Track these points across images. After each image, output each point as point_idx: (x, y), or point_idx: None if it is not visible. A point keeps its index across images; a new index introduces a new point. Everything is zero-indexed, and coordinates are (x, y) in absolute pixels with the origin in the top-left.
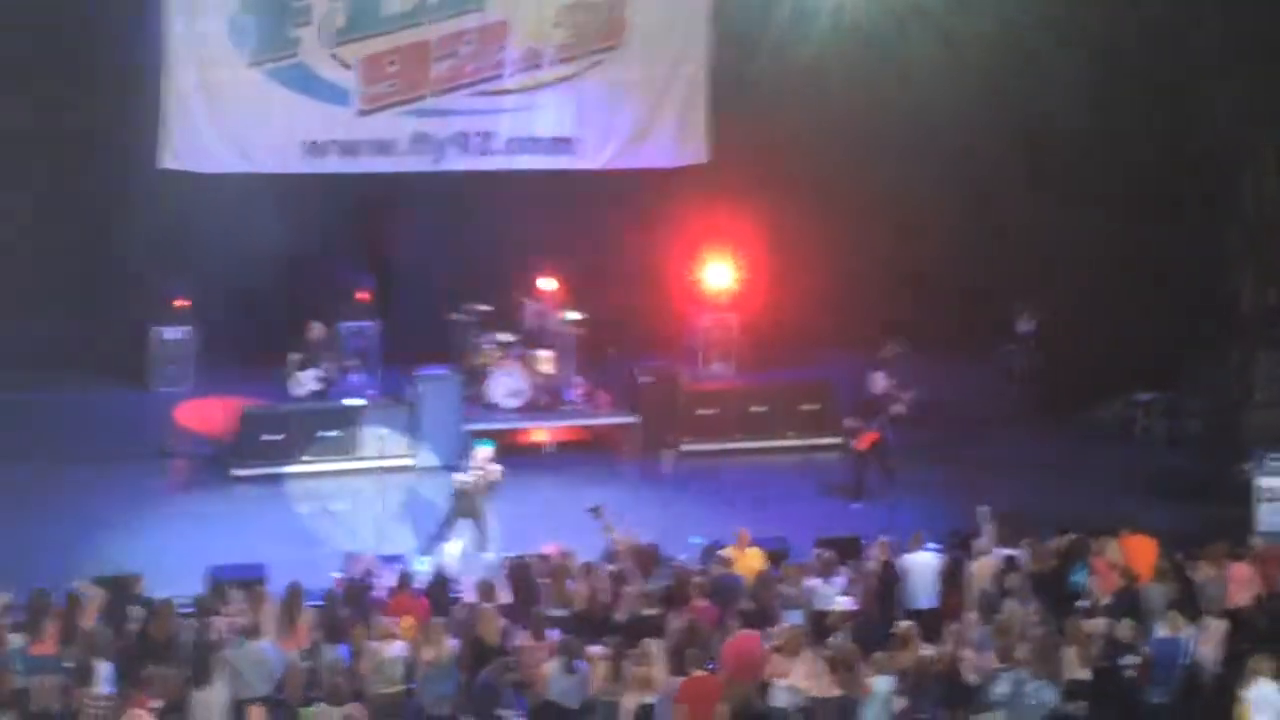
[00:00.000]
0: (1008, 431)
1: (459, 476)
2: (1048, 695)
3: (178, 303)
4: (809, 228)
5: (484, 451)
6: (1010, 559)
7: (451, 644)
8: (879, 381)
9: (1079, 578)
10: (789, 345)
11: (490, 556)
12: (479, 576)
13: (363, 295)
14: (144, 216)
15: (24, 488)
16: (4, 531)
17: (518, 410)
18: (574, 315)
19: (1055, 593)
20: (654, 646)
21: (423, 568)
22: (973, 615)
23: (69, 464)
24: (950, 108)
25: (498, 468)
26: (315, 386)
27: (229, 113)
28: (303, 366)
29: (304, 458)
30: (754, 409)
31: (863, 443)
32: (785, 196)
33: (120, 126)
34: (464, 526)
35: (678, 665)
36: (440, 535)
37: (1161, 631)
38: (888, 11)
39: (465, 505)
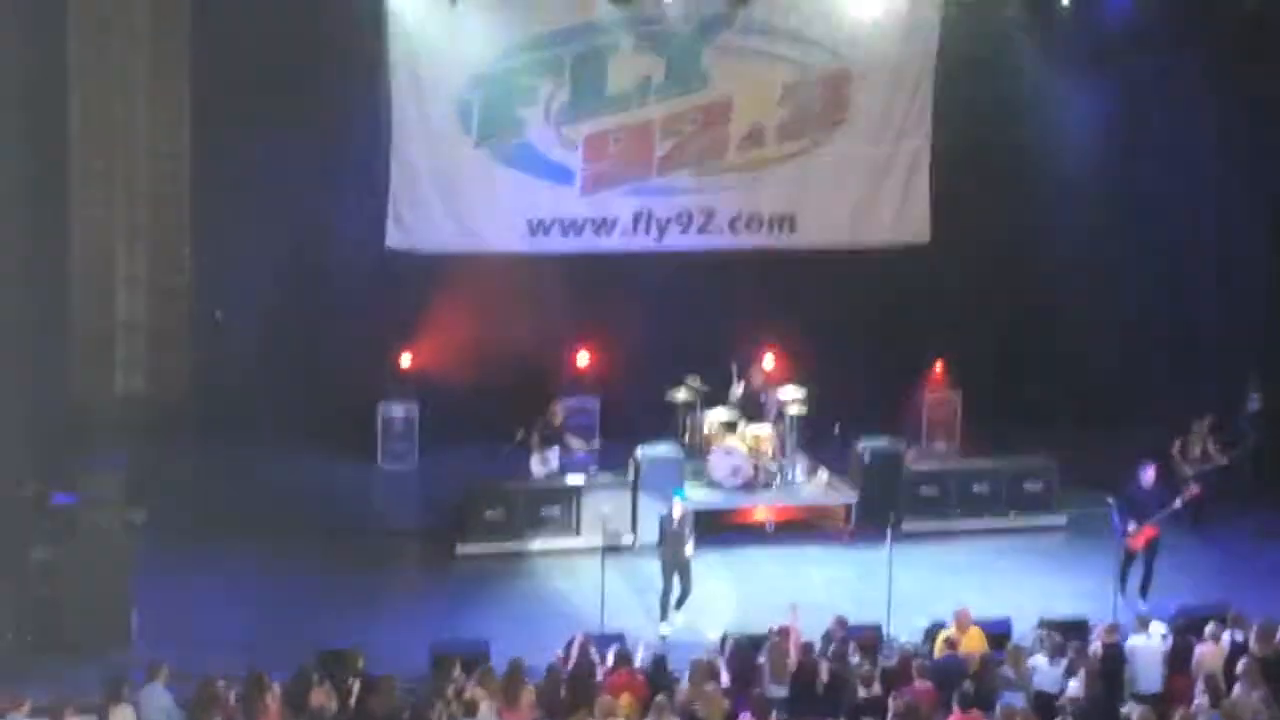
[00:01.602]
0: (1238, 513)
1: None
2: None
3: (400, 367)
4: (1036, 306)
5: (679, 503)
6: (1239, 643)
7: None
8: (1149, 475)
9: None
10: (1011, 427)
11: (706, 633)
12: (700, 655)
13: (584, 370)
14: (370, 293)
15: (250, 561)
16: (229, 604)
17: (739, 488)
18: (796, 392)
19: None
20: None
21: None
22: (1201, 701)
23: (294, 538)
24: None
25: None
26: (555, 466)
27: (455, 192)
28: (544, 445)
29: (527, 535)
30: (977, 488)
31: (1138, 541)
32: (1005, 274)
33: (351, 205)
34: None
35: None
36: (662, 598)
37: None
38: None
39: (670, 553)
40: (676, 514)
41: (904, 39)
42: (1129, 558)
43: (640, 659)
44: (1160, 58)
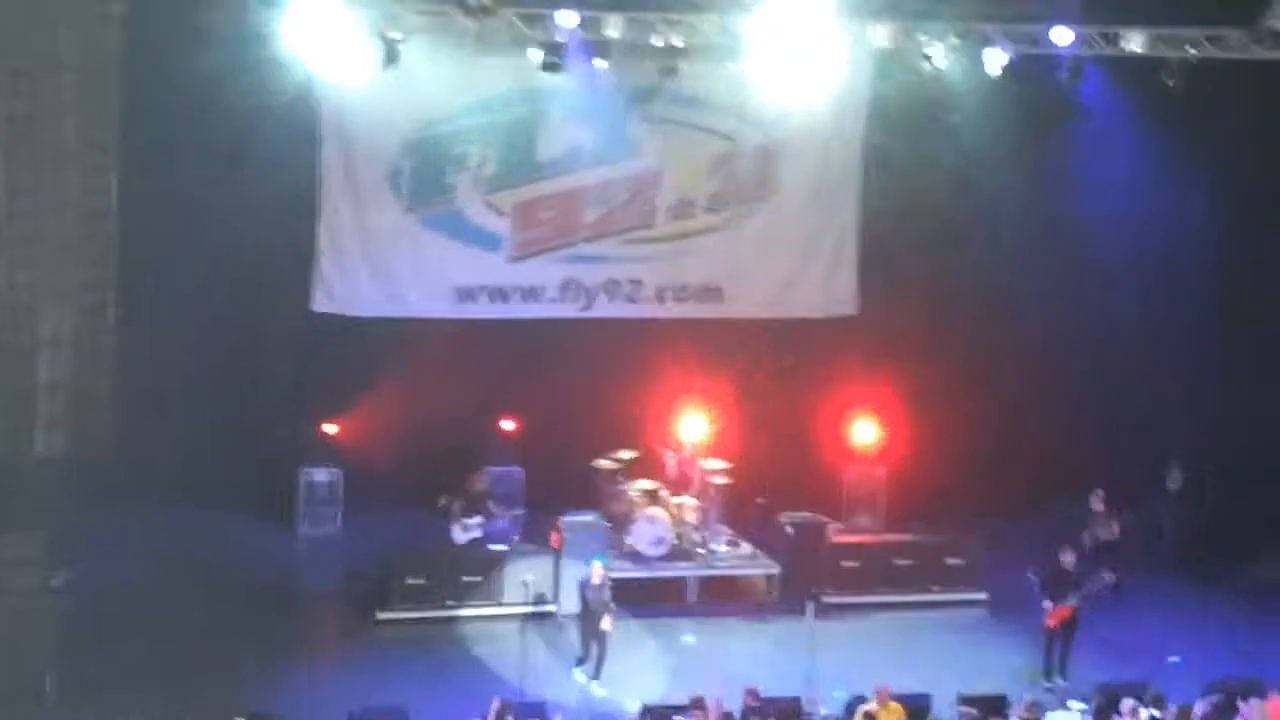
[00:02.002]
0: (1158, 589)
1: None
2: None
3: (325, 432)
4: (963, 379)
5: (598, 567)
6: None
7: None
8: (1068, 556)
9: None
10: (934, 499)
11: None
12: None
13: (508, 439)
14: (295, 357)
15: (170, 625)
16: (149, 669)
17: (662, 557)
18: (719, 464)
19: None
20: None
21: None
22: None
23: (215, 602)
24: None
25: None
26: (478, 534)
27: (383, 257)
28: (466, 513)
29: (448, 602)
30: (899, 562)
31: (1052, 619)
32: (934, 350)
33: (278, 268)
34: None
35: None
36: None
37: None
38: (1041, 170)
39: (589, 618)
40: (596, 578)
41: (833, 116)
42: (1048, 636)
43: None
44: (1092, 125)
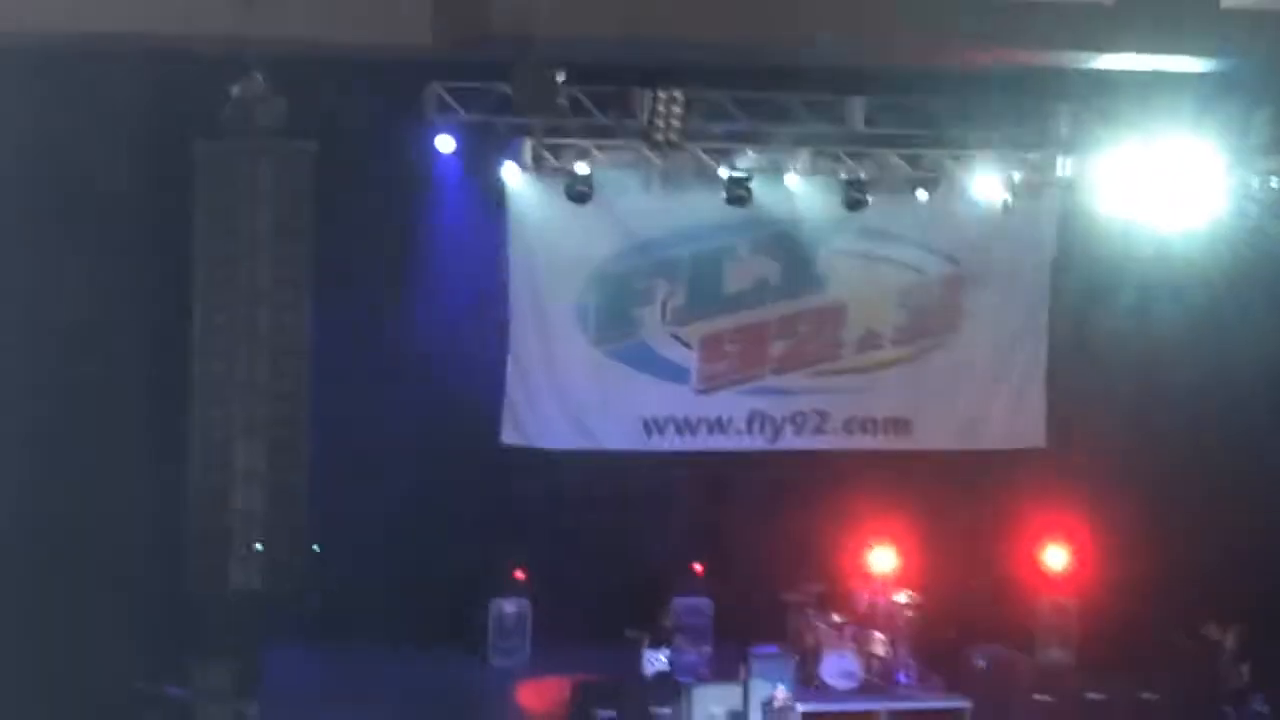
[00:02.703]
0: None
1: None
2: None
3: (516, 574)
4: (1159, 509)
5: (782, 690)
6: None
7: None
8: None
9: None
10: (1128, 631)
11: None
12: None
13: (698, 572)
14: (484, 491)
15: None
16: None
17: (850, 692)
18: (909, 597)
19: None
20: None
21: None
22: None
23: None
24: None
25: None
26: (665, 666)
27: (571, 390)
28: (655, 645)
29: None
30: (1092, 696)
31: None
32: (1125, 477)
33: (467, 400)
34: None
35: None
36: None
37: None
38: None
39: None
40: (779, 701)
41: (1020, 245)
42: None
43: None
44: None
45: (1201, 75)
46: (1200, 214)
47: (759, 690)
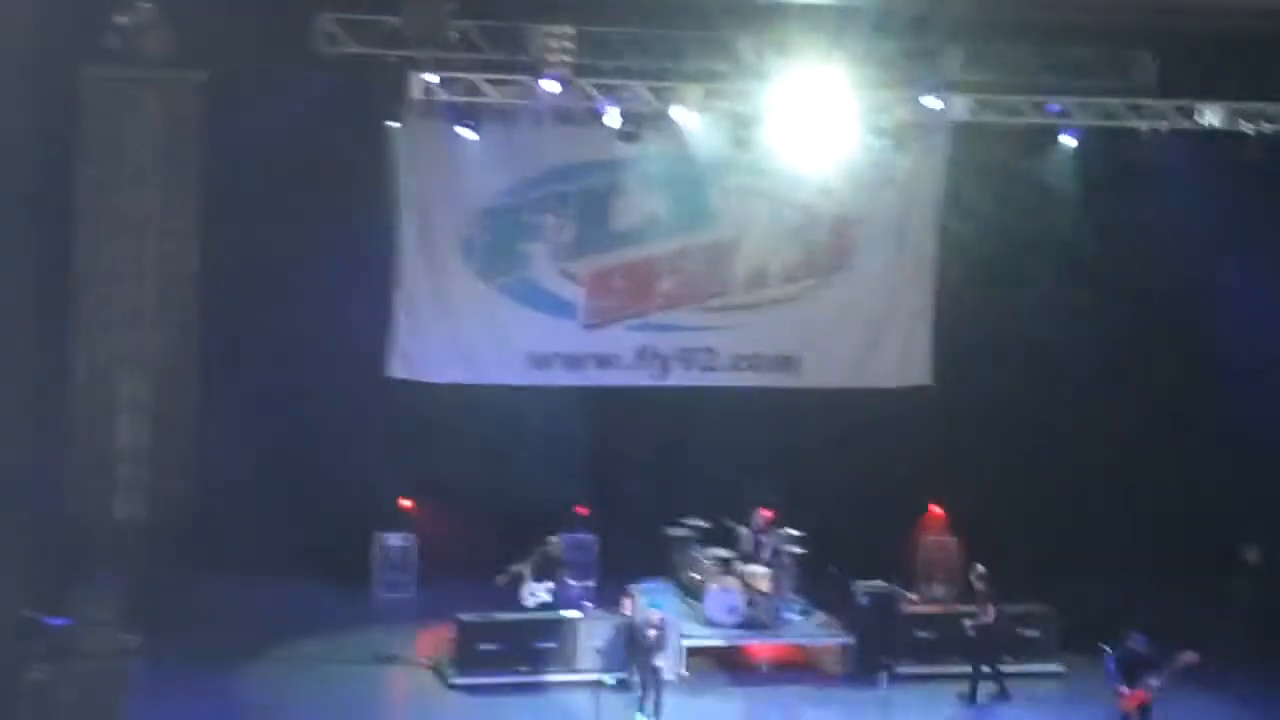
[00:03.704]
0: (1235, 672)
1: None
2: None
3: (401, 503)
4: (1038, 450)
5: (654, 612)
6: None
7: None
8: (1141, 640)
9: None
10: (1011, 570)
11: None
12: None
13: (581, 509)
14: (370, 423)
15: (245, 688)
16: None
17: (735, 626)
18: (792, 533)
19: None
20: None
21: None
22: None
23: (291, 665)
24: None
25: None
26: (548, 598)
27: (458, 324)
28: (537, 578)
29: (520, 668)
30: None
31: (1129, 703)
32: (1008, 419)
33: (354, 334)
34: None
35: None
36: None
37: None
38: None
39: (642, 661)
40: (653, 622)
41: (909, 185)
42: None
43: None
44: (1169, 196)
45: None
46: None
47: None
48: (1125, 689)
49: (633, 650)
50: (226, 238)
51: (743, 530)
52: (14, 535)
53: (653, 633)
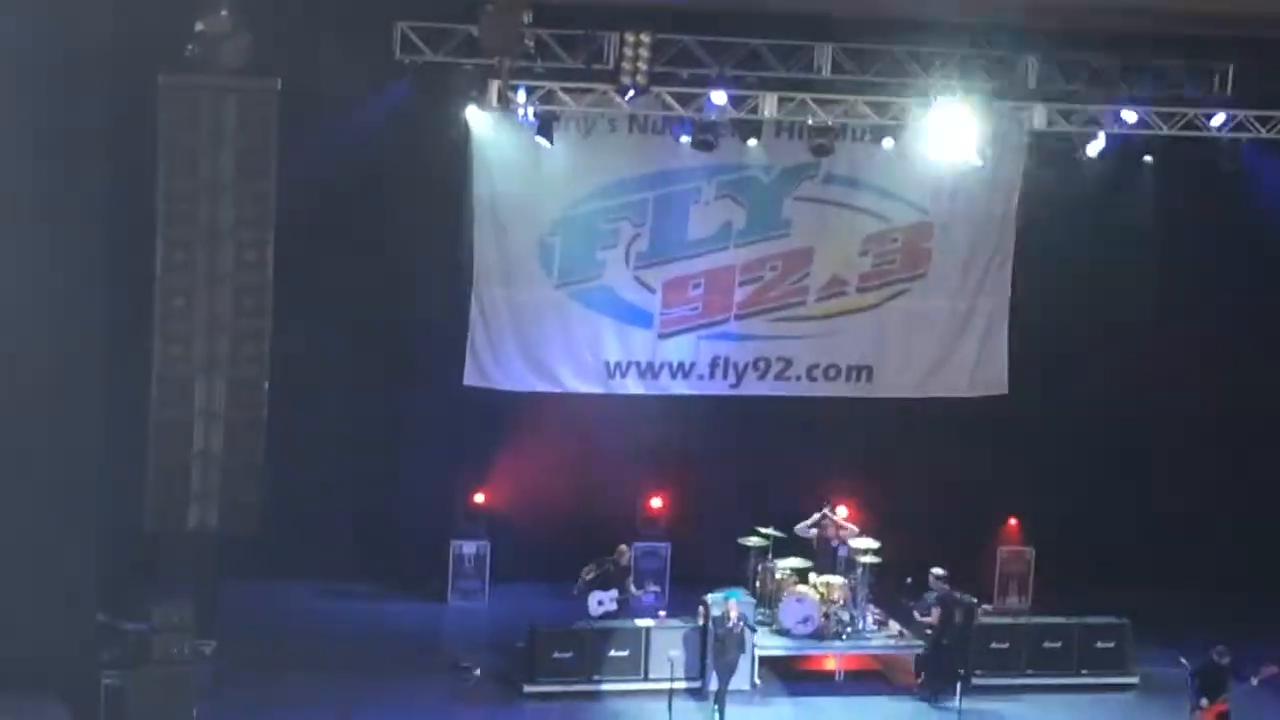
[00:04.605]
0: None
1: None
2: None
3: (474, 501)
4: (1114, 462)
5: (733, 603)
6: None
7: None
8: (1223, 651)
9: None
10: (1087, 581)
11: None
12: None
13: (656, 514)
14: (445, 431)
15: (318, 695)
16: None
17: (809, 635)
18: (868, 543)
19: None
20: None
21: None
22: None
23: (364, 672)
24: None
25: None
26: (612, 607)
27: (533, 332)
28: (603, 586)
29: (594, 676)
30: (1048, 644)
31: (1208, 716)
32: (1084, 430)
33: (429, 341)
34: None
35: None
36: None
37: None
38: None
39: (721, 654)
40: (732, 615)
41: (986, 194)
42: None
43: None
44: (1249, 205)
45: None
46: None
47: (718, 634)
48: (1204, 701)
49: (715, 648)
50: (303, 246)
51: (818, 540)
52: (90, 542)
53: (734, 623)
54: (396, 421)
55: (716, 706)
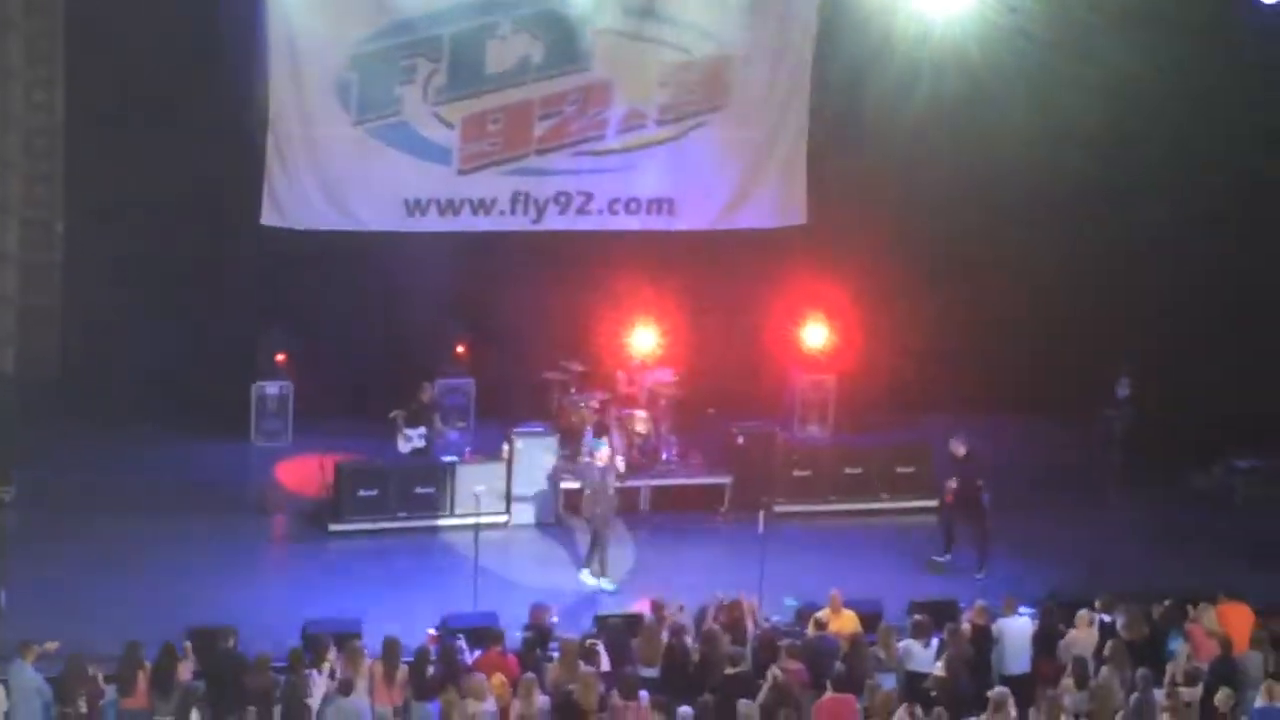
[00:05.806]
0: (1106, 497)
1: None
2: None
3: (278, 357)
4: (908, 288)
5: (603, 451)
6: (1106, 625)
7: (542, 701)
8: (959, 446)
9: (1175, 645)
10: (886, 407)
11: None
12: (581, 636)
13: (460, 352)
14: (246, 272)
15: (122, 538)
16: (100, 581)
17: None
18: (670, 375)
19: (1151, 660)
20: (746, 707)
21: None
22: (1068, 681)
23: (168, 515)
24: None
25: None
26: (420, 444)
27: (331, 170)
28: (410, 424)
29: (400, 514)
30: (849, 471)
31: (947, 496)
32: (884, 256)
33: (221, 183)
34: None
35: None
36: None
37: (1259, 701)
38: (992, 70)
39: (599, 505)
40: (601, 462)
41: (783, 23)
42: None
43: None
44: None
45: None
46: None
47: (523, 474)
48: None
49: (587, 500)
50: (93, 85)
51: (619, 373)
52: None
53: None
54: (196, 265)
55: (588, 568)
